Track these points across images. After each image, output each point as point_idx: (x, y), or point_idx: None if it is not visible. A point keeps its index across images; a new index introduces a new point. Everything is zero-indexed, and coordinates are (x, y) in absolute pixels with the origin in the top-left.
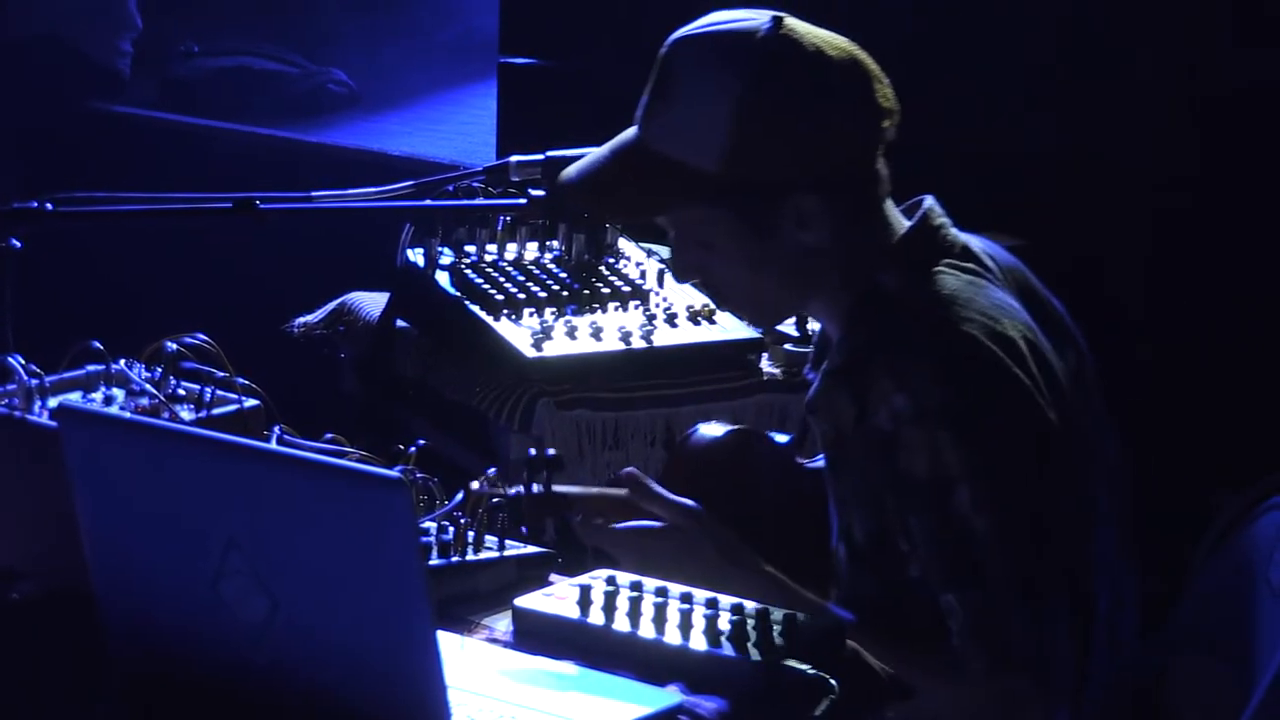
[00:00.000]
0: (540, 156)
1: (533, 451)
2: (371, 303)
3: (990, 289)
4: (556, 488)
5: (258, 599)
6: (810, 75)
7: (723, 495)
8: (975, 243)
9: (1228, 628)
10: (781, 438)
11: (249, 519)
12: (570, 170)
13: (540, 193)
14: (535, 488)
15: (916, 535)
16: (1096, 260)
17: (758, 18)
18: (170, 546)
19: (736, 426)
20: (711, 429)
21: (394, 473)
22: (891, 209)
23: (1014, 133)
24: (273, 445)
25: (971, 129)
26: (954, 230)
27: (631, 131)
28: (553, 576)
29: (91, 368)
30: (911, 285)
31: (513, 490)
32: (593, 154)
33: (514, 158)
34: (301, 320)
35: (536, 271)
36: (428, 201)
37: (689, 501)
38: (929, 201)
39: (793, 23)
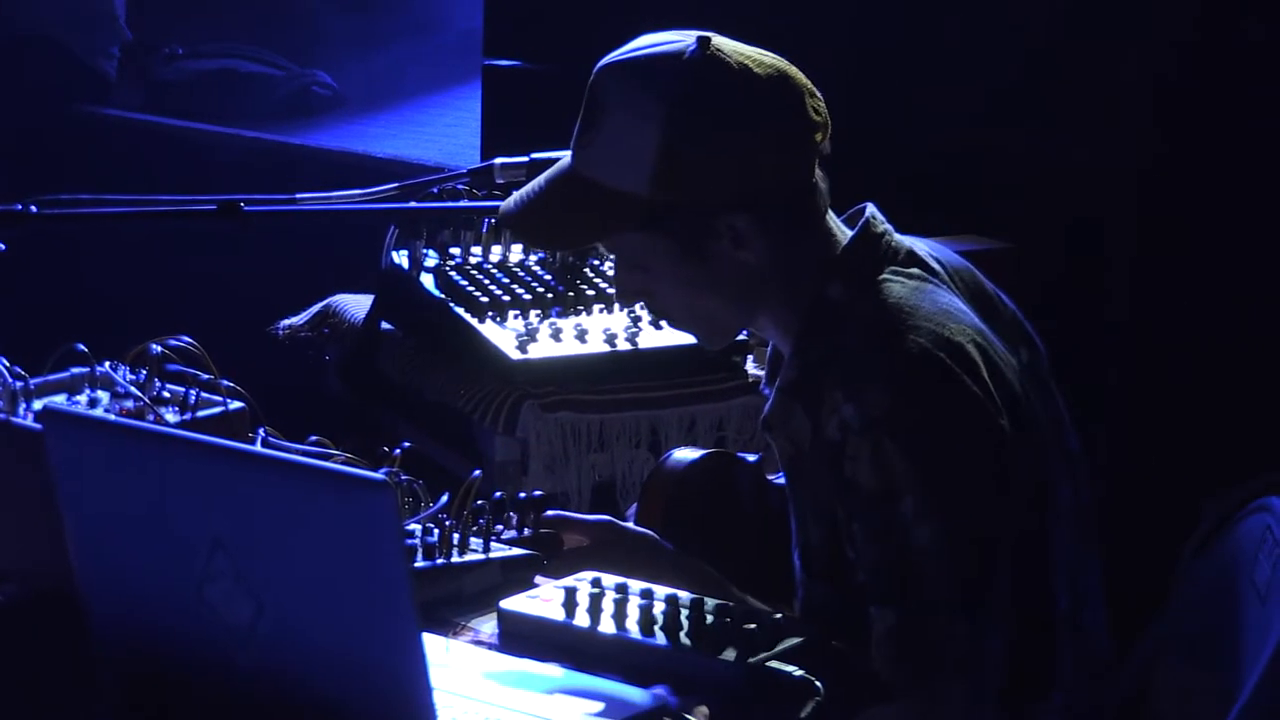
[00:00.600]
0: (524, 158)
1: (522, 495)
2: (356, 305)
3: (937, 293)
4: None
5: (243, 601)
6: (737, 95)
7: (701, 518)
8: (920, 246)
9: (1213, 630)
10: (752, 457)
11: (234, 521)
12: (508, 202)
13: None
14: (526, 530)
15: (859, 543)
16: (1081, 260)
17: (684, 39)
18: (155, 549)
19: (710, 449)
20: (685, 453)
21: (378, 475)
22: (833, 220)
23: (994, 134)
24: (257, 448)
25: (953, 130)
26: (897, 236)
27: (565, 160)
28: (538, 578)
29: (76, 370)
30: (857, 296)
31: (496, 494)
32: (528, 185)
33: (498, 160)
34: (286, 323)
35: (521, 274)
36: (412, 203)
37: (596, 517)
38: (870, 209)
39: (720, 42)
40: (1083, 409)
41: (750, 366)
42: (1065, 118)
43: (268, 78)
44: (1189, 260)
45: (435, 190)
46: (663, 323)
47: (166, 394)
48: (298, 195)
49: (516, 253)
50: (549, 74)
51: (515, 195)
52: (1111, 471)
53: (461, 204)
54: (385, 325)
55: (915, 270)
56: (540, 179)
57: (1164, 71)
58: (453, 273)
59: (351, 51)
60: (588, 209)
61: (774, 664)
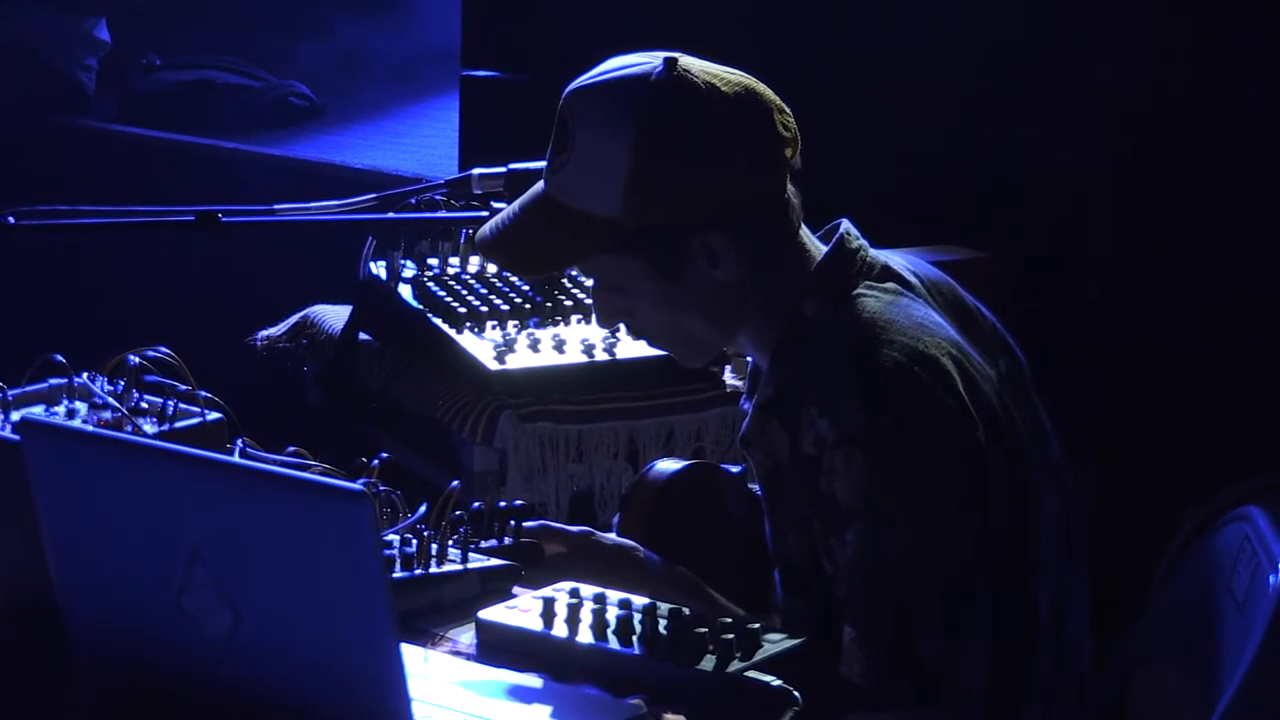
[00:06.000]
0: (502, 169)
1: (502, 504)
2: (334, 316)
3: (912, 306)
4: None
5: (222, 612)
6: (705, 114)
7: (684, 529)
8: (896, 260)
9: (1191, 638)
10: (734, 468)
11: (213, 532)
12: (484, 229)
13: (502, 205)
14: (506, 540)
15: (836, 556)
16: (1060, 266)
17: (651, 61)
18: (134, 560)
19: (692, 460)
20: (668, 464)
21: (356, 486)
22: (807, 235)
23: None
24: (236, 458)
25: (933, 134)
26: (872, 251)
27: (539, 185)
28: (516, 589)
29: (54, 381)
30: (832, 311)
31: (475, 504)
32: (504, 211)
33: (476, 170)
34: (264, 333)
35: (499, 284)
36: (390, 214)
37: (576, 528)
38: (845, 224)
39: (687, 62)
40: (1063, 417)
41: (728, 377)
42: (1044, 121)
43: (245, 88)
44: (1168, 264)
45: (413, 201)
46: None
47: (145, 405)
48: (275, 206)
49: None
50: (526, 84)
51: (491, 222)
52: (1095, 478)
53: (439, 214)
54: (363, 336)
55: (891, 284)
56: (515, 205)
57: (1145, 77)
58: (430, 283)
59: (329, 61)
60: (563, 234)
61: (752, 674)
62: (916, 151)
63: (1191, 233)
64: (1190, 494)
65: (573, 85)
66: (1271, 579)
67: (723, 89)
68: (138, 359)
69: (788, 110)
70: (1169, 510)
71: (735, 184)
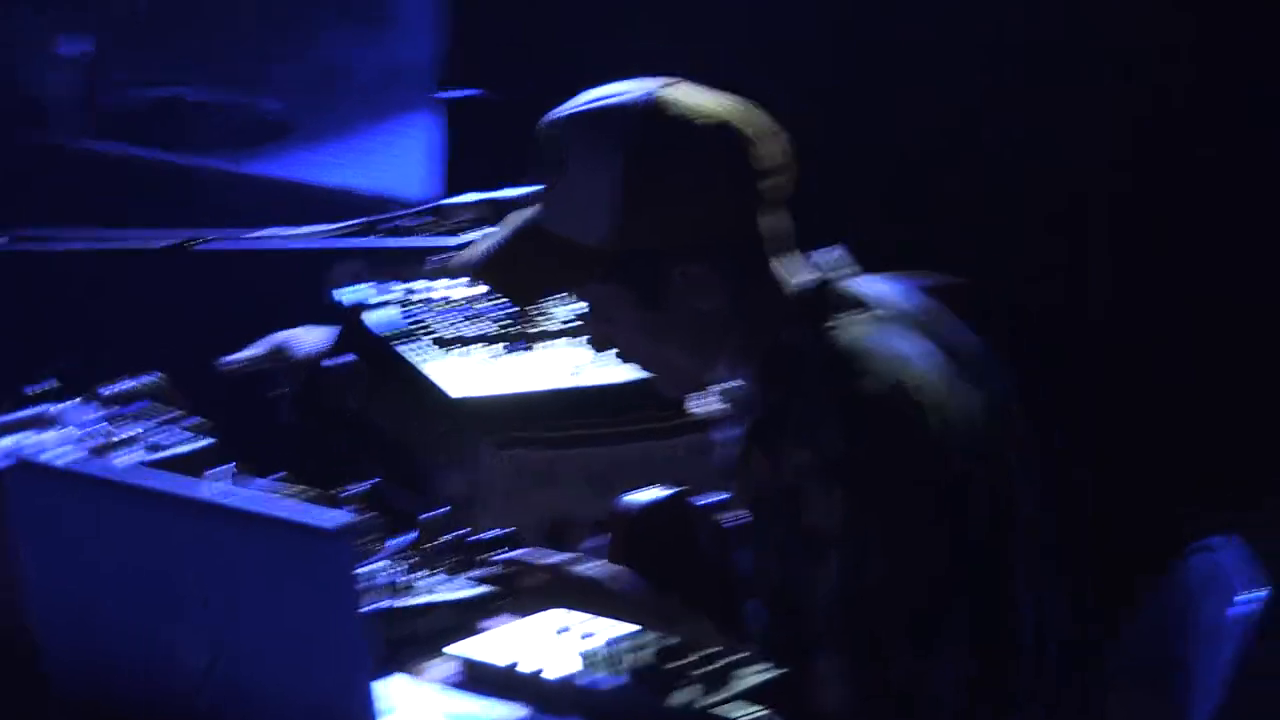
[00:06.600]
0: (484, 196)
1: (485, 535)
2: (308, 337)
3: (892, 334)
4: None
5: (201, 645)
6: (676, 146)
7: (657, 562)
8: (878, 285)
9: (1163, 662)
10: (707, 498)
11: (193, 567)
12: (473, 253)
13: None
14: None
15: (816, 584)
16: (1060, 265)
17: (634, 90)
18: (113, 593)
19: (671, 490)
20: (647, 494)
21: (334, 523)
22: (789, 263)
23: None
24: (217, 495)
25: (934, 133)
26: (854, 278)
27: (528, 212)
28: (496, 619)
29: (42, 408)
30: (812, 340)
31: (459, 534)
32: (493, 235)
33: (456, 198)
34: (236, 356)
35: (469, 309)
36: (372, 239)
37: (556, 556)
38: (835, 254)
39: (669, 93)
40: (1063, 416)
41: (699, 403)
42: (1044, 121)
43: (215, 106)
44: (1168, 264)
45: (398, 224)
46: (613, 359)
47: (135, 432)
48: (251, 234)
49: (464, 289)
50: (511, 104)
51: (480, 246)
52: (1083, 498)
53: (422, 241)
54: (339, 359)
55: (870, 312)
56: (504, 231)
57: (1147, 77)
58: (400, 308)
59: (299, 79)
60: (549, 262)
61: (733, 705)
62: (916, 151)
63: (1190, 233)
64: (1191, 498)
65: (562, 113)
66: (1237, 610)
67: (699, 122)
68: (129, 385)
69: (768, 140)
70: (1169, 514)
71: (711, 215)
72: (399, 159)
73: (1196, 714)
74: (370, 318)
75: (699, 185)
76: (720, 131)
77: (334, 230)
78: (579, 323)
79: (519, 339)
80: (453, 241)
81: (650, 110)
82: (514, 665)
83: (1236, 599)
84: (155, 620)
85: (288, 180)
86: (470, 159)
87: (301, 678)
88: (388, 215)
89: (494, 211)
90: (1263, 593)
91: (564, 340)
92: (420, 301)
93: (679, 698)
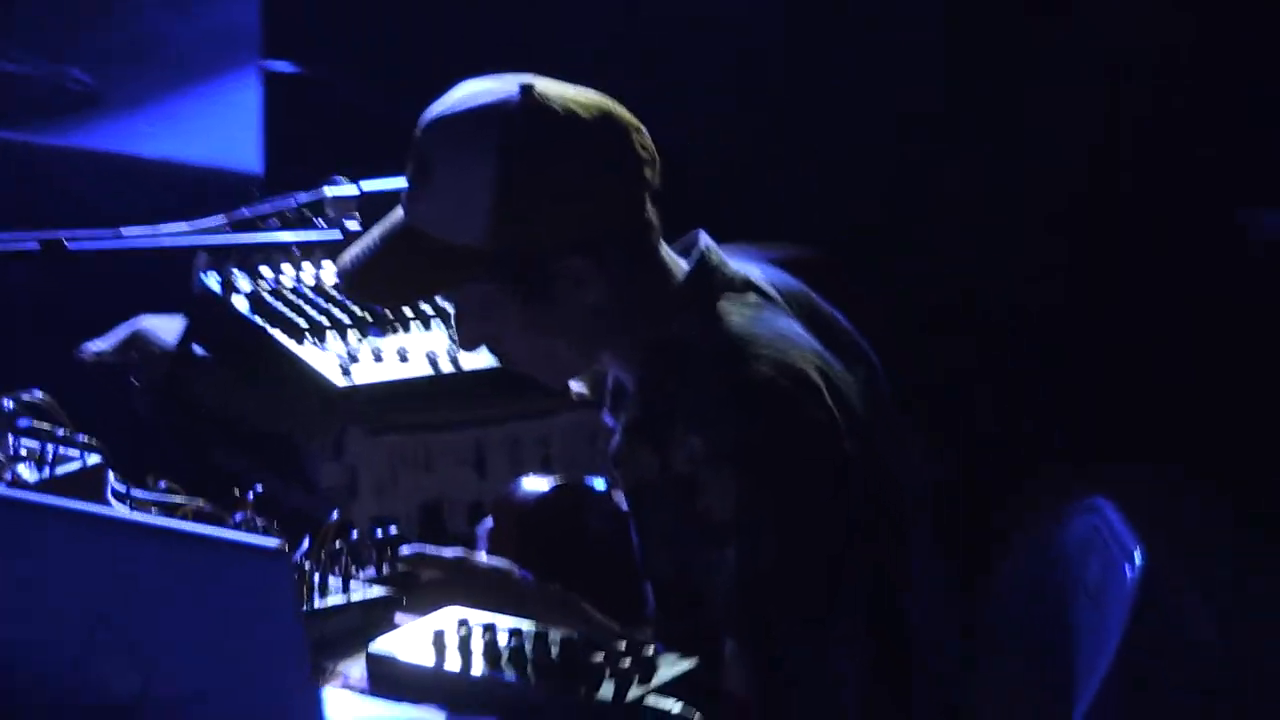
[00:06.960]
0: (357, 191)
1: (379, 533)
2: (165, 328)
3: (775, 319)
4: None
5: (130, 675)
6: (563, 140)
7: (553, 550)
8: (755, 272)
9: (1041, 628)
10: (600, 484)
11: (119, 593)
12: (344, 259)
13: (356, 225)
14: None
15: (711, 571)
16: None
17: (507, 87)
18: (35, 625)
19: (559, 482)
20: (533, 485)
21: (275, 543)
22: (668, 253)
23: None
24: (142, 517)
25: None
26: (731, 264)
27: (398, 215)
28: (398, 617)
29: None
30: (698, 328)
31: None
32: (364, 242)
33: (329, 191)
34: (92, 347)
35: (337, 295)
36: (248, 235)
37: (451, 551)
38: (704, 239)
39: (543, 87)
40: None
41: (574, 384)
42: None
43: (19, 76)
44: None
45: (272, 222)
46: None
47: (23, 451)
48: (123, 230)
49: (330, 274)
50: (334, 83)
51: (350, 253)
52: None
53: (293, 236)
54: (197, 350)
55: (752, 297)
56: (375, 236)
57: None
58: (268, 296)
59: (105, 45)
60: (425, 264)
61: (652, 699)
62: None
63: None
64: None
65: (433, 113)
66: (1128, 570)
67: (580, 113)
68: (12, 403)
69: (644, 130)
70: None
71: (597, 207)
72: (219, 126)
73: (1081, 679)
74: (240, 304)
75: (587, 178)
76: (604, 121)
77: (216, 227)
78: (446, 310)
79: (384, 324)
80: (326, 235)
81: (529, 106)
82: (427, 668)
83: (1121, 559)
84: (79, 652)
85: (102, 151)
86: (291, 131)
87: (243, 700)
88: (259, 211)
89: (366, 207)
90: (1142, 555)
91: (431, 324)
92: (287, 287)
93: (599, 695)
